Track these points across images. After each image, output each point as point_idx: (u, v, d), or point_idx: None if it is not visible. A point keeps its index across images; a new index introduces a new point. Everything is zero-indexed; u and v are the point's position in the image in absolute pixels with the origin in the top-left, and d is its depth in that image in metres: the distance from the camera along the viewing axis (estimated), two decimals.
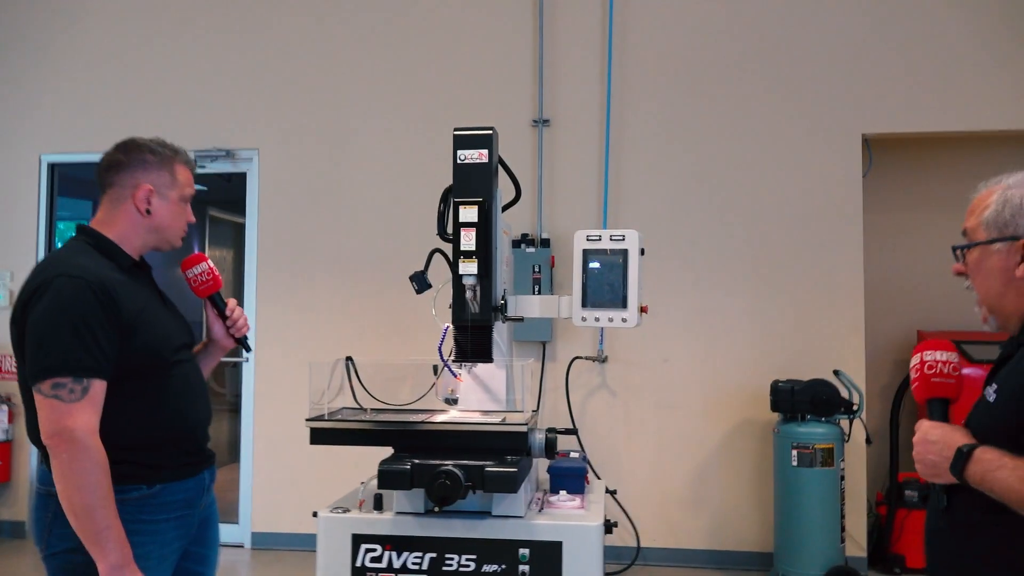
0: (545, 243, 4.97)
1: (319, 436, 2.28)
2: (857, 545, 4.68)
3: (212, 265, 2.23)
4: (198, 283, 2.21)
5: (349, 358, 2.53)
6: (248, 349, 2.38)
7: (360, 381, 2.50)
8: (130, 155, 2.04)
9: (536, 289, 4.84)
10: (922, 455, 1.60)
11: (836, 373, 4.54)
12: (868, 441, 4.64)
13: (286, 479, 5.15)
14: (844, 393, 4.41)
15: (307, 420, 2.30)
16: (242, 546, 5.26)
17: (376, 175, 5.26)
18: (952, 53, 4.82)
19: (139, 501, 1.91)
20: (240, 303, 5.25)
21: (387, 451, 2.26)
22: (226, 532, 5.20)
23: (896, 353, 5.32)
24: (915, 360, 1.76)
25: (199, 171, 5.85)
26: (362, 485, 2.33)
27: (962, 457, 1.51)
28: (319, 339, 5.19)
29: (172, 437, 2.01)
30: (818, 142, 4.91)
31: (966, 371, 1.77)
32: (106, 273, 1.93)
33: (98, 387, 1.84)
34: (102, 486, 1.80)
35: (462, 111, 5.04)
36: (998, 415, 1.54)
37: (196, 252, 2.27)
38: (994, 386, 1.58)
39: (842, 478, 4.36)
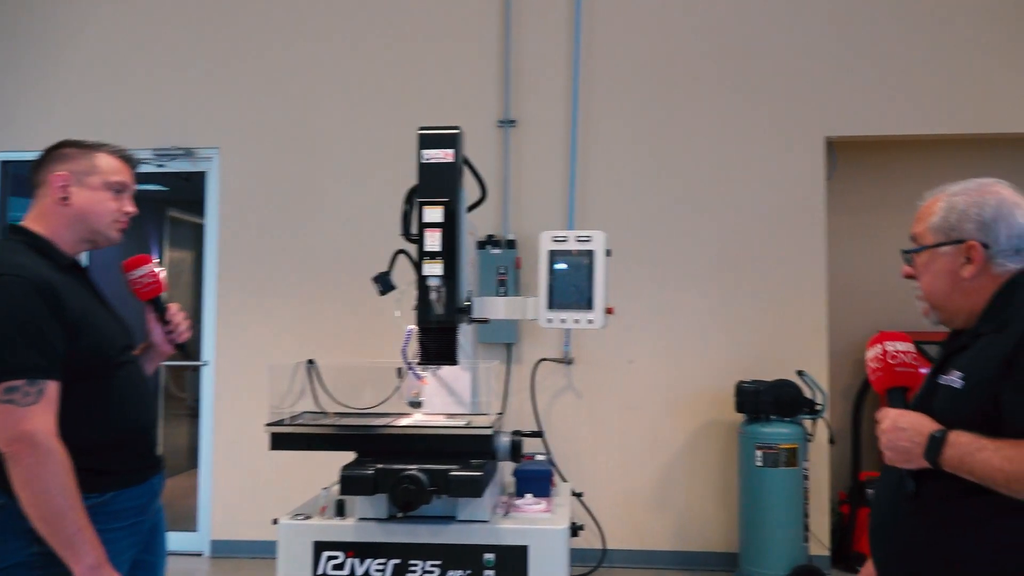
0: (511, 244, 4.95)
1: (280, 441, 2.23)
2: (820, 544, 4.72)
3: (156, 268, 2.15)
4: (139, 286, 2.13)
5: (311, 361, 2.48)
6: (188, 356, 2.31)
7: (322, 384, 2.46)
8: (52, 152, 2.04)
9: (502, 290, 4.81)
10: (893, 442, 1.62)
11: (800, 373, 4.58)
12: (831, 441, 4.69)
13: (246, 485, 5.04)
14: (808, 393, 4.46)
15: (267, 425, 2.25)
16: (201, 554, 5.13)
17: (339, 174, 5.19)
18: (914, 58, 4.90)
19: (91, 510, 1.84)
20: (200, 305, 5.18)
21: (350, 456, 2.22)
22: (184, 540, 5.09)
23: (858, 354, 5.36)
24: (876, 351, 1.80)
25: (159, 170, 5.67)
26: (324, 491, 2.28)
27: (936, 442, 1.54)
28: (281, 342, 5.08)
29: (123, 440, 1.96)
30: (782, 144, 4.95)
31: (922, 370, 1.80)
32: (46, 272, 1.88)
33: (53, 388, 1.79)
34: (69, 488, 1.75)
35: (427, 111, 4.99)
36: (969, 401, 1.56)
37: (141, 254, 2.17)
38: (958, 373, 1.60)
39: (805, 477, 4.40)
